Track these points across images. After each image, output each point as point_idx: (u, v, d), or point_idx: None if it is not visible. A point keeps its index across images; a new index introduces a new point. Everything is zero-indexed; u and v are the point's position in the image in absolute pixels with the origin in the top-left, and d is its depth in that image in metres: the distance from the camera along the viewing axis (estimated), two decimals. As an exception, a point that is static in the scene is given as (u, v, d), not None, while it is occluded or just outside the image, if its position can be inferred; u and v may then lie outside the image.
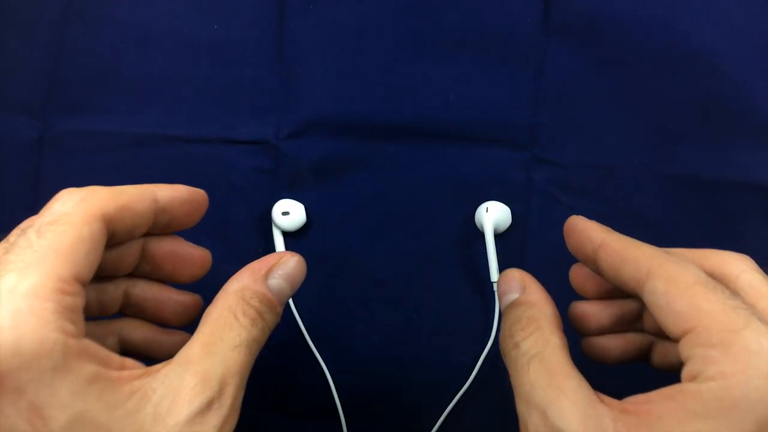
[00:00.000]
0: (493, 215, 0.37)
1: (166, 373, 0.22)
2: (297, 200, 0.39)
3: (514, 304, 0.28)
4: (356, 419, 0.38)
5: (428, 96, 0.39)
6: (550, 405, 0.23)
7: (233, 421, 0.24)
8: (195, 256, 0.29)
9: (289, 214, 0.38)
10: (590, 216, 0.37)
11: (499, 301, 0.30)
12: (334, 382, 0.37)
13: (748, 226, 0.38)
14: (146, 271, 0.28)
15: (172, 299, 0.29)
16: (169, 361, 0.23)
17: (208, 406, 0.22)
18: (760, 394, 0.20)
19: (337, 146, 0.39)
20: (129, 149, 0.39)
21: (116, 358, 0.22)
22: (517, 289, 0.29)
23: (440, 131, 0.39)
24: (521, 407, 0.25)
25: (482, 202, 0.38)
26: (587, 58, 0.38)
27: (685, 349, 0.22)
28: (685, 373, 0.22)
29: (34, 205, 0.39)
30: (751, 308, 0.22)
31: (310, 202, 0.39)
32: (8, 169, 0.40)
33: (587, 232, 0.27)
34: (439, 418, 0.37)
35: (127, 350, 0.29)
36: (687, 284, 0.22)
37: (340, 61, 0.39)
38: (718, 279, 0.24)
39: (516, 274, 0.29)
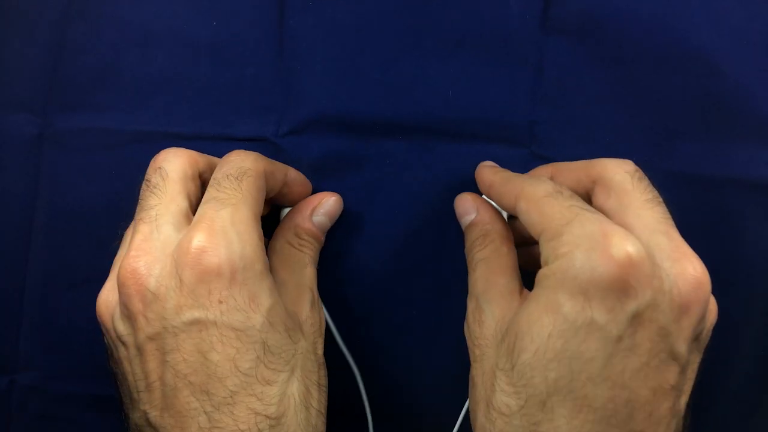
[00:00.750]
0: None
1: (282, 283, 0.32)
2: None
3: (472, 224, 0.35)
4: (355, 419, 0.38)
5: (428, 94, 0.39)
6: (482, 294, 0.31)
7: (324, 322, 0.34)
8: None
9: None
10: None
11: (459, 222, 0.36)
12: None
13: (747, 223, 0.38)
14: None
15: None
16: (268, 288, 0.29)
17: (313, 305, 0.33)
18: (582, 264, 0.25)
19: (337, 144, 0.39)
20: (129, 147, 0.39)
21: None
22: (472, 211, 0.35)
23: (439, 129, 0.39)
24: (467, 299, 0.33)
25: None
26: (586, 56, 0.38)
27: (541, 247, 0.28)
28: (541, 263, 0.28)
29: (34, 202, 0.40)
30: (584, 204, 0.28)
31: (310, 200, 0.39)
32: (8, 166, 0.40)
33: (480, 176, 0.35)
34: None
35: None
36: (537, 198, 0.28)
37: (340, 59, 0.39)
38: (599, 184, 0.30)
39: (469, 197, 0.36)
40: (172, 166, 0.32)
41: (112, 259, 0.32)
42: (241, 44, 0.39)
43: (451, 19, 0.39)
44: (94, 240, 0.39)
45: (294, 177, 0.36)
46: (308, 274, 0.34)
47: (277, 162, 0.35)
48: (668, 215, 0.29)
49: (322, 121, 0.39)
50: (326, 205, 0.37)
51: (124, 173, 0.39)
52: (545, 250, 0.27)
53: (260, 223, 0.30)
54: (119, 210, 0.36)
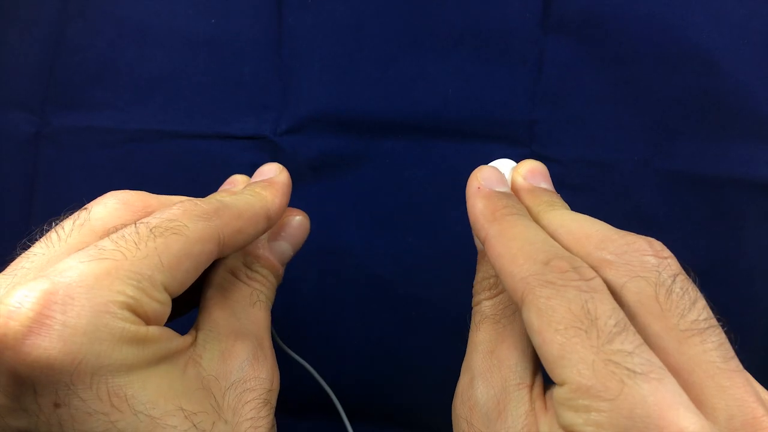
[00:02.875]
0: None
1: (203, 339, 0.23)
2: (294, 195, 0.38)
3: (484, 255, 0.26)
4: (353, 417, 0.38)
5: (427, 92, 0.38)
6: (481, 375, 0.23)
7: (278, 374, 0.25)
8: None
9: None
10: (589, 213, 0.37)
11: (475, 240, 0.28)
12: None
13: (746, 222, 0.38)
14: None
15: None
16: (196, 328, 0.24)
17: (254, 360, 0.24)
18: None
19: (335, 142, 0.39)
20: (126, 145, 0.39)
21: (174, 335, 0.22)
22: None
23: (439, 127, 0.38)
24: (462, 367, 0.25)
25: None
26: (586, 54, 0.38)
27: (560, 391, 0.19)
28: (562, 418, 0.19)
29: (30, 201, 0.40)
30: (630, 354, 0.18)
31: (308, 199, 0.39)
32: (5, 164, 0.39)
33: (477, 217, 0.24)
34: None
35: None
36: (558, 325, 0.19)
37: (339, 57, 0.39)
38: (610, 287, 0.20)
39: (480, 208, 0.25)
40: (100, 212, 0.23)
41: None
42: (240, 42, 0.39)
43: (450, 17, 0.38)
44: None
45: (280, 205, 0.26)
46: (255, 317, 0.25)
47: (253, 199, 0.26)
48: (730, 350, 0.19)
49: (321, 120, 0.39)
50: (289, 227, 0.28)
51: (121, 172, 0.39)
52: (570, 408, 0.18)
53: (164, 297, 0.21)
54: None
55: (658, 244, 0.21)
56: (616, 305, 0.19)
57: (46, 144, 0.39)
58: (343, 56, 0.39)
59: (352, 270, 0.39)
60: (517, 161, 0.38)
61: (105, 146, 0.39)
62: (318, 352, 0.38)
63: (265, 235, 0.27)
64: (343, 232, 0.39)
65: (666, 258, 0.20)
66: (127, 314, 0.20)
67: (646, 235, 0.36)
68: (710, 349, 0.19)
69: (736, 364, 0.19)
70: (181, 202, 0.23)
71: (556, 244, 0.21)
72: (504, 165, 0.31)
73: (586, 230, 0.22)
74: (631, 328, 0.18)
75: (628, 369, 0.17)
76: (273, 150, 0.39)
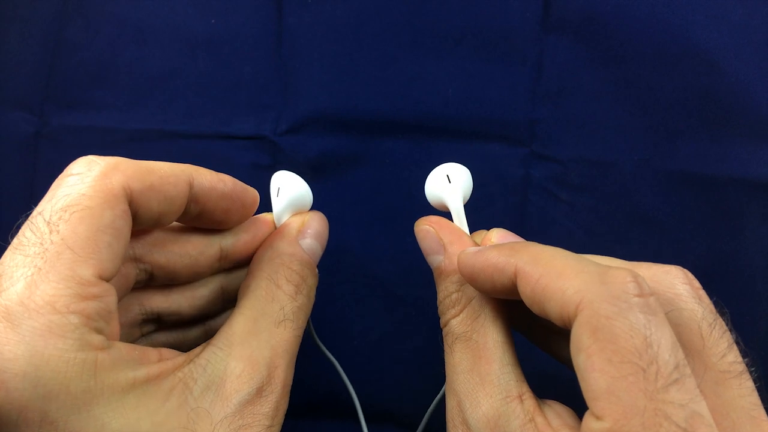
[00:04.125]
0: (459, 183, 0.28)
1: (207, 358, 0.20)
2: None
3: (441, 273, 0.25)
4: (352, 417, 0.38)
5: (427, 92, 0.38)
6: (466, 396, 0.22)
7: (285, 407, 0.22)
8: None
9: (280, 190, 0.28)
10: (589, 213, 0.37)
11: (427, 260, 0.26)
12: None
13: (746, 222, 0.38)
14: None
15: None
16: (209, 342, 0.21)
17: (258, 393, 0.20)
18: None
19: (335, 142, 0.39)
20: (126, 145, 0.39)
21: (152, 353, 0.20)
22: (438, 250, 0.25)
23: (439, 127, 0.38)
24: (446, 390, 0.24)
25: (481, 199, 0.38)
26: (586, 54, 0.38)
27: (596, 424, 0.17)
28: None
29: (29, 201, 0.39)
30: (683, 407, 0.17)
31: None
32: (4, 164, 0.39)
33: (493, 262, 0.21)
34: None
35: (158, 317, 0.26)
36: (614, 356, 0.17)
37: (339, 57, 0.39)
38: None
39: (427, 228, 0.25)
40: (89, 186, 0.19)
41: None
42: (240, 42, 0.39)
43: (450, 16, 0.38)
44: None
45: (208, 183, 0.23)
46: (277, 340, 0.22)
47: (172, 164, 0.22)
48: (758, 397, 0.19)
49: (321, 120, 0.39)
50: (313, 224, 0.26)
51: (121, 172, 0.39)
52: None
53: (105, 287, 0.18)
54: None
55: (690, 274, 0.20)
56: (675, 338, 0.17)
57: (45, 144, 0.39)
58: (343, 56, 0.39)
59: (352, 270, 0.39)
60: (517, 160, 0.38)
61: (105, 146, 0.39)
62: (318, 351, 0.38)
63: (293, 235, 0.25)
64: (342, 232, 0.39)
65: (698, 289, 0.20)
66: (69, 340, 0.17)
67: (646, 235, 0.36)
68: (745, 394, 0.18)
69: (763, 412, 0.18)
70: (76, 162, 0.20)
71: (598, 262, 0.19)
72: (441, 173, 0.29)
73: (614, 261, 0.21)
74: (688, 370, 0.17)
75: (676, 425, 0.16)
76: (273, 150, 0.39)
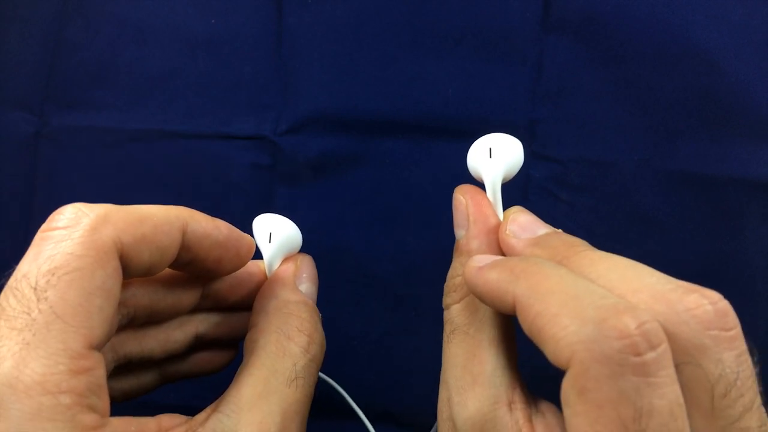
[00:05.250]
0: (502, 159, 0.25)
1: (213, 428, 0.19)
2: (295, 195, 0.38)
3: (456, 249, 0.24)
4: (352, 416, 0.38)
5: (427, 92, 0.38)
6: (457, 393, 0.21)
7: None
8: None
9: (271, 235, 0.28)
10: (589, 213, 0.37)
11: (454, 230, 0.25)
12: (330, 378, 0.37)
13: (746, 222, 0.38)
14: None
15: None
16: (216, 407, 0.20)
17: None
18: None
19: (336, 142, 0.39)
20: (126, 145, 0.39)
21: (151, 424, 0.19)
22: (463, 224, 0.24)
23: (439, 127, 0.38)
24: (441, 378, 0.23)
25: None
26: (586, 54, 0.38)
27: None
28: None
29: (30, 201, 0.39)
30: None
31: (308, 199, 0.39)
32: (5, 164, 0.39)
33: (494, 286, 0.20)
34: (437, 415, 0.37)
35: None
36: (598, 424, 0.16)
37: (339, 57, 0.39)
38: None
39: (461, 202, 0.24)
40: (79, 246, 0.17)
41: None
42: (240, 42, 0.39)
43: (450, 16, 0.38)
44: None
45: (202, 230, 0.21)
46: (288, 402, 0.20)
47: (163, 208, 0.20)
48: None
49: (321, 119, 0.39)
50: (305, 267, 0.25)
51: (121, 172, 0.39)
52: None
53: (96, 358, 0.17)
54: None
55: (723, 309, 0.17)
56: (676, 403, 0.16)
57: (46, 144, 0.39)
58: (343, 56, 0.39)
59: (352, 270, 0.39)
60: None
61: (105, 146, 0.39)
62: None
63: (293, 281, 0.24)
64: (342, 232, 0.39)
65: (729, 330, 0.17)
66: (60, 423, 0.15)
67: (646, 235, 0.36)
68: None
69: None
70: (62, 213, 0.18)
71: (605, 291, 0.17)
72: (484, 144, 0.26)
73: (632, 283, 0.18)
74: None
75: None
76: (273, 150, 0.39)
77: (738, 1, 0.38)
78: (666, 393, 0.16)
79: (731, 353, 0.17)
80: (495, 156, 0.25)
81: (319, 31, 0.39)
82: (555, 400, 0.22)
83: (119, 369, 0.23)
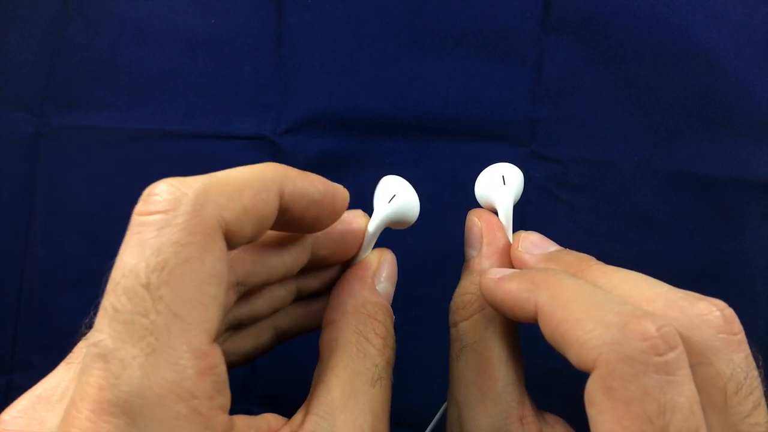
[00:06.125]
0: (513, 185, 0.27)
1: (312, 430, 0.19)
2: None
3: (468, 268, 0.25)
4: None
5: (427, 92, 0.38)
6: (467, 410, 0.22)
7: None
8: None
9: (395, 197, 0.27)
10: (589, 213, 0.37)
11: (465, 250, 0.26)
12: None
13: (746, 222, 0.38)
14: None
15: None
16: (308, 411, 0.19)
17: None
18: None
19: (336, 142, 0.39)
20: (126, 145, 0.39)
21: (262, 424, 0.19)
22: (476, 245, 0.25)
23: (439, 127, 0.38)
24: (449, 398, 0.24)
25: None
26: (586, 54, 0.38)
27: None
28: None
29: (30, 201, 0.39)
30: None
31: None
32: (5, 164, 0.39)
33: (514, 296, 0.21)
34: (437, 416, 0.37)
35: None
36: (625, 421, 0.17)
37: (339, 57, 0.39)
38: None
39: (476, 225, 0.25)
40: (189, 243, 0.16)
41: (110, 259, 0.32)
42: (240, 42, 0.39)
43: (450, 16, 0.38)
44: (91, 239, 0.39)
45: (300, 191, 0.21)
46: (375, 401, 0.21)
47: (256, 171, 0.20)
48: None
49: (321, 120, 0.39)
50: (387, 265, 0.26)
51: (121, 172, 0.39)
52: None
53: (217, 352, 0.16)
54: (117, 209, 0.36)
55: (730, 316, 0.19)
56: (693, 399, 0.17)
57: (46, 144, 0.39)
58: (343, 56, 0.39)
59: (352, 270, 0.39)
60: (517, 160, 0.38)
61: (105, 146, 0.39)
62: (317, 351, 0.38)
63: (372, 282, 0.24)
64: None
65: (736, 334, 0.19)
66: (196, 430, 0.15)
67: (646, 235, 0.36)
68: None
69: None
70: (155, 193, 0.17)
71: (622, 299, 0.19)
72: (495, 172, 0.28)
73: (645, 293, 0.19)
74: None
75: None
76: (273, 150, 0.39)
77: (738, 1, 0.38)
78: (685, 390, 0.17)
79: (740, 354, 0.18)
80: (508, 183, 0.27)
81: (319, 31, 0.39)
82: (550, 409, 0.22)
83: (233, 331, 0.23)
